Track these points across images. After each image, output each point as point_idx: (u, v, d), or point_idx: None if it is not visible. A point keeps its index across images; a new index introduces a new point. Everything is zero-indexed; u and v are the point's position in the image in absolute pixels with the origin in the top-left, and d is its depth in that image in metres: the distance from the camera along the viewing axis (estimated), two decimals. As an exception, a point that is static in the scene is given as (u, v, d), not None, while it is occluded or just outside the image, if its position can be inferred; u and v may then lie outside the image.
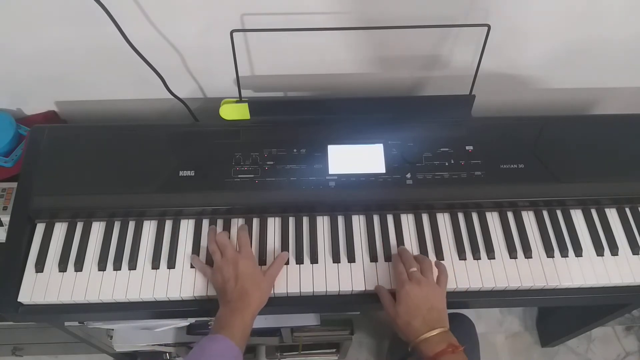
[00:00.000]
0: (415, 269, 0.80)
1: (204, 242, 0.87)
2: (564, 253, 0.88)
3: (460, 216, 0.91)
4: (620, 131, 0.97)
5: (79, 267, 0.85)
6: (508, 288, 0.85)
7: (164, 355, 1.30)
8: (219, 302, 0.79)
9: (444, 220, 0.91)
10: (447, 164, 0.91)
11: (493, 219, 0.91)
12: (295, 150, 0.92)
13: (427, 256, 0.86)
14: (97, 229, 0.89)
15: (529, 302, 0.89)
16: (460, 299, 0.86)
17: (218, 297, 0.80)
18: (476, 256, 0.87)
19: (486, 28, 0.83)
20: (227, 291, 0.77)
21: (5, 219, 0.92)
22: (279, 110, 0.95)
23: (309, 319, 1.13)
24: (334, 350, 1.34)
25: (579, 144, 0.95)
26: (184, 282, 0.84)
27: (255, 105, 0.92)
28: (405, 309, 0.76)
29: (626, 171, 0.93)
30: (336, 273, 0.84)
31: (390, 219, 0.90)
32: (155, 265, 0.85)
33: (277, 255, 0.85)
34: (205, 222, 0.89)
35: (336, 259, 0.86)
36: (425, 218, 0.91)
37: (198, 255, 0.86)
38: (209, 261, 0.84)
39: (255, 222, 0.90)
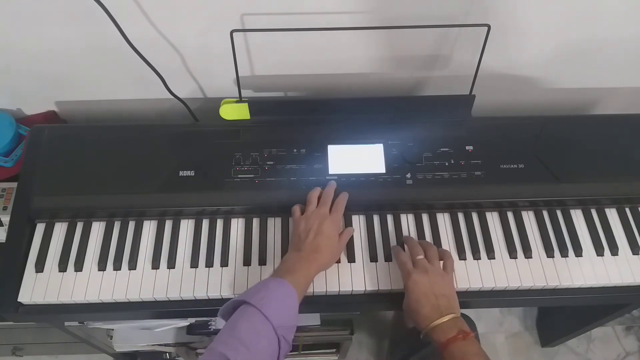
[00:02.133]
0: (421, 256, 0.81)
1: (204, 242, 0.87)
2: (564, 253, 0.88)
3: (460, 216, 0.91)
4: (620, 131, 0.98)
5: (79, 267, 0.85)
6: (508, 288, 0.85)
7: (164, 355, 1.30)
8: (289, 247, 0.82)
9: (444, 220, 0.91)
10: (447, 164, 0.91)
11: (493, 219, 0.91)
12: (295, 150, 0.92)
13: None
14: (97, 229, 0.89)
15: (529, 302, 0.89)
16: (460, 299, 0.86)
17: (290, 243, 0.83)
18: (476, 256, 0.87)
19: (486, 28, 0.83)
20: (302, 240, 0.79)
21: (5, 219, 0.92)
22: (279, 110, 0.95)
23: (309, 319, 1.13)
24: (334, 350, 1.34)
25: (579, 144, 0.95)
26: (183, 282, 0.84)
27: (255, 105, 0.92)
28: (414, 297, 0.76)
29: (626, 171, 0.93)
30: (336, 273, 0.84)
31: (390, 219, 0.91)
32: (155, 265, 0.85)
33: (346, 229, 0.86)
34: (205, 222, 0.89)
35: (336, 259, 0.86)
36: (425, 218, 0.91)
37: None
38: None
39: (255, 222, 0.89)
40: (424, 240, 0.87)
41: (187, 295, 0.83)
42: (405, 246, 0.86)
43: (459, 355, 0.71)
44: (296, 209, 0.86)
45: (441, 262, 0.82)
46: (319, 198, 0.86)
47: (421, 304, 0.76)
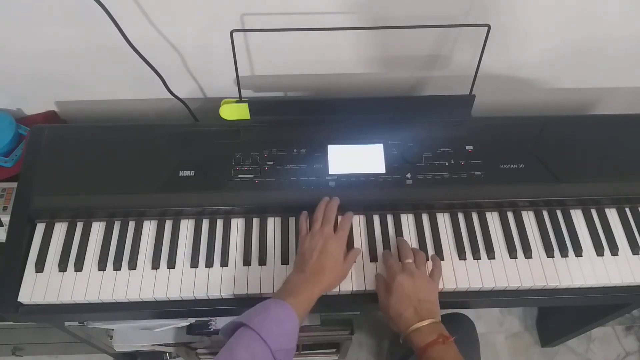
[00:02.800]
0: (410, 260, 0.81)
1: (204, 242, 0.87)
2: (564, 253, 0.88)
3: (460, 216, 0.91)
4: (620, 131, 0.97)
5: (79, 267, 0.85)
6: (508, 288, 0.85)
7: (164, 355, 1.30)
8: (294, 265, 0.81)
9: (444, 220, 0.91)
10: (447, 164, 0.91)
11: (493, 219, 0.91)
12: (295, 150, 0.92)
13: (427, 257, 0.86)
14: (97, 229, 0.89)
15: (529, 302, 0.89)
16: (460, 299, 0.86)
17: (295, 262, 0.81)
18: (476, 256, 0.87)
19: (486, 28, 0.83)
20: (306, 260, 0.78)
21: (5, 219, 0.92)
22: (279, 110, 0.95)
23: (309, 319, 1.13)
24: (334, 350, 1.34)
25: (579, 144, 0.95)
26: (184, 282, 0.84)
27: (255, 105, 0.92)
28: (397, 299, 0.76)
29: (626, 171, 0.93)
30: (336, 273, 0.84)
31: (390, 219, 0.91)
32: (155, 265, 0.85)
33: (352, 249, 0.85)
34: (205, 222, 0.89)
35: (336, 259, 0.86)
36: (425, 218, 0.91)
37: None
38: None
39: (255, 222, 0.89)
40: (415, 247, 0.87)
41: (187, 295, 0.83)
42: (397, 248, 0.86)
43: (437, 359, 0.71)
44: (303, 225, 0.84)
45: (429, 270, 0.82)
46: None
47: (404, 306, 0.75)
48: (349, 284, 0.84)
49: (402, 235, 0.89)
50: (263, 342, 0.65)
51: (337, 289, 0.83)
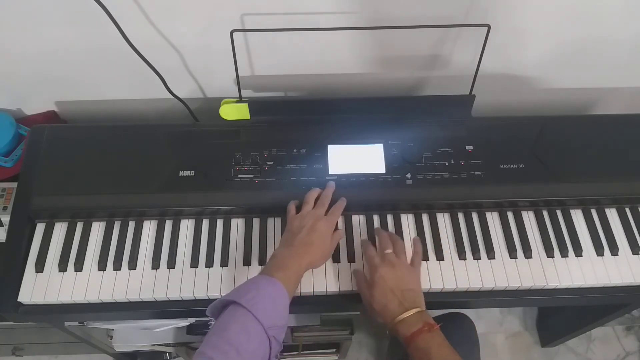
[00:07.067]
0: (390, 250, 0.81)
1: (204, 242, 0.87)
2: (564, 253, 0.88)
3: (460, 216, 0.91)
4: (620, 131, 0.97)
5: (79, 267, 0.85)
6: (508, 288, 0.85)
7: (164, 355, 1.30)
8: (280, 243, 0.81)
9: (444, 220, 0.91)
10: (447, 164, 0.91)
11: (493, 219, 0.91)
12: (295, 150, 0.92)
13: (427, 256, 0.86)
14: (97, 229, 0.89)
15: (529, 302, 0.89)
16: (460, 299, 0.86)
17: (282, 241, 0.81)
18: (476, 256, 0.87)
19: (486, 28, 0.83)
20: (295, 236, 0.79)
21: (5, 219, 0.92)
22: (279, 110, 0.95)
23: (309, 319, 1.13)
24: (334, 350, 1.34)
25: (579, 144, 0.95)
26: (184, 282, 0.84)
27: (255, 105, 0.92)
28: (380, 292, 0.76)
29: (626, 171, 0.93)
30: (336, 273, 0.84)
31: (390, 219, 0.91)
32: (155, 265, 0.85)
33: (336, 231, 0.85)
34: (205, 222, 0.89)
35: (336, 259, 0.86)
36: (425, 218, 0.91)
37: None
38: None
39: (256, 222, 0.89)
40: (392, 233, 0.87)
41: (187, 295, 0.83)
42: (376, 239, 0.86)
43: (424, 346, 0.71)
44: (292, 207, 0.85)
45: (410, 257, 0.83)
46: (317, 199, 0.86)
47: (388, 298, 0.75)
48: (349, 284, 0.84)
49: (402, 235, 0.88)
50: (255, 319, 0.65)
51: (337, 289, 0.83)
